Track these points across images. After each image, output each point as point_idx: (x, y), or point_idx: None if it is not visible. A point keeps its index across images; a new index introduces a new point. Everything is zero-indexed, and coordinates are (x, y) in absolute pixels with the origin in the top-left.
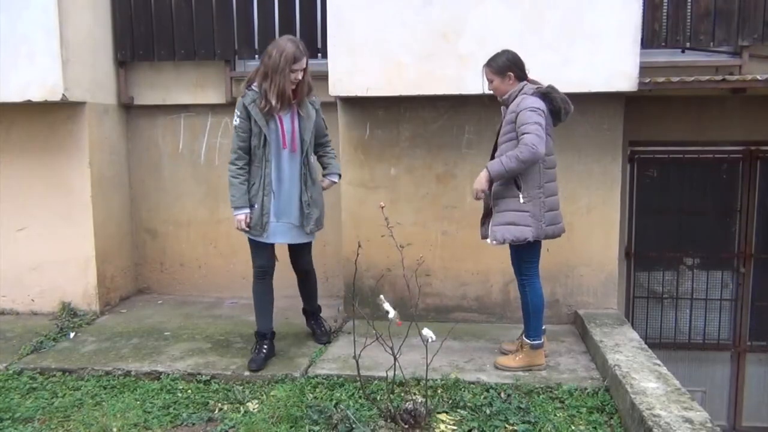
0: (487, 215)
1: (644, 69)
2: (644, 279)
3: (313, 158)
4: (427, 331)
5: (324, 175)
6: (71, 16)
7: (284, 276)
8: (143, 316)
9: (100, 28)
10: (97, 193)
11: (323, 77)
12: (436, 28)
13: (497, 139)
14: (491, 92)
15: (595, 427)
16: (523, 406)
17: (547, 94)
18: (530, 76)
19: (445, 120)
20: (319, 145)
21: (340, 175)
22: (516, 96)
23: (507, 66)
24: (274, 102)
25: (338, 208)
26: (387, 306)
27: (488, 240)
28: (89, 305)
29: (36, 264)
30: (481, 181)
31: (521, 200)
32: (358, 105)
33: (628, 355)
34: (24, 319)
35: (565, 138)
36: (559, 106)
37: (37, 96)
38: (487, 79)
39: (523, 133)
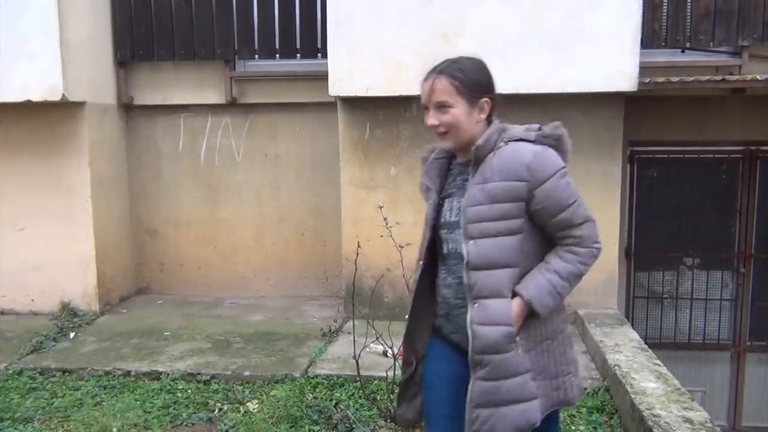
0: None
1: (644, 69)
2: (644, 279)
3: None
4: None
5: None
6: (71, 16)
7: (284, 275)
8: (143, 316)
9: (100, 28)
10: (97, 193)
11: (323, 77)
12: (436, 28)
13: (437, 214)
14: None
15: (595, 427)
16: None
17: (559, 140)
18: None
19: None
20: None
21: None
22: (498, 144)
23: (485, 85)
24: None
25: (338, 207)
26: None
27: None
28: (89, 305)
29: (36, 264)
30: (516, 318)
31: None
32: (358, 105)
33: (628, 355)
34: (24, 319)
35: None
36: (567, 149)
37: (37, 96)
38: (436, 104)
39: (575, 225)
